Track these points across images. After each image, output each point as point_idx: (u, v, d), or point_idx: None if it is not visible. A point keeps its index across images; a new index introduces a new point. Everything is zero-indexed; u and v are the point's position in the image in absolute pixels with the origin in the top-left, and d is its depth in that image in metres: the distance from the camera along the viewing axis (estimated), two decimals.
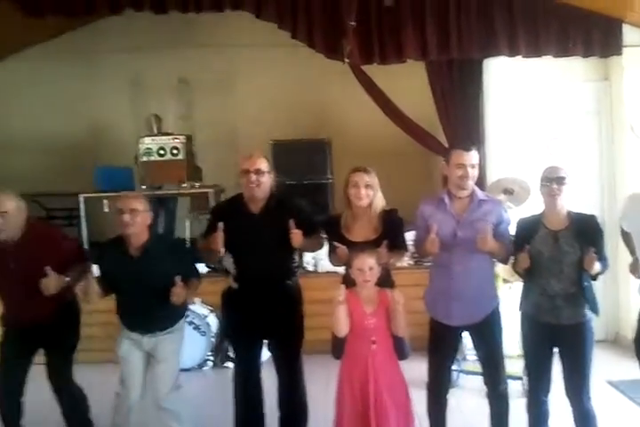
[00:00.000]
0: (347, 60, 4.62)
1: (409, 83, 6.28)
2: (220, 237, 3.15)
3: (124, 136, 7.80)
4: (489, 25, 4.52)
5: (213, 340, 5.13)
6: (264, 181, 3.26)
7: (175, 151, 6.10)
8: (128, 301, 3.26)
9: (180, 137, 6.19)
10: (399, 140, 6.64)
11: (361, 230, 3.23)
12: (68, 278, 3.21)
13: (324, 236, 3.43)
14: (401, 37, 4.45)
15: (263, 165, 3.29)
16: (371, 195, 3.22)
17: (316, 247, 3.55)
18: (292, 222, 3.15)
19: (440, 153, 5.64)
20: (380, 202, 3.26)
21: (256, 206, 3.29)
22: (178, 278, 3.11)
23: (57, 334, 3.34)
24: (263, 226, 3.24)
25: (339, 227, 3.27)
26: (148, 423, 3.48)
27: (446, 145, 5.47)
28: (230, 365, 5.02)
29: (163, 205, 6.81)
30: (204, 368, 5.09)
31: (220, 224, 3.16)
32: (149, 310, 3.21)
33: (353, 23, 4.22)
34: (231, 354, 4.99)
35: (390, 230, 3.23)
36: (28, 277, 3.11)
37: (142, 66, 7.90)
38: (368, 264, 2.94)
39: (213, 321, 5.15)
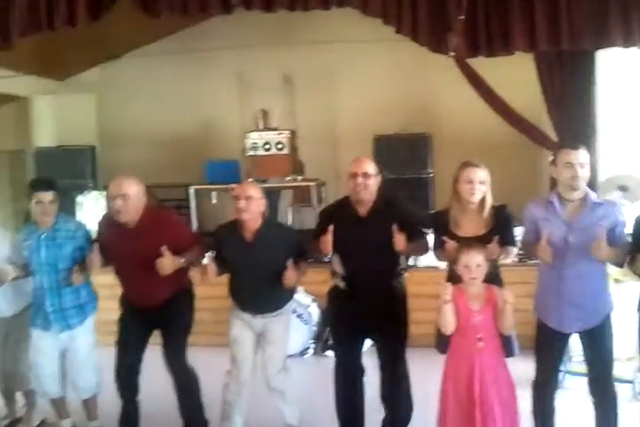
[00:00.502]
0: (452, 54, 4.56)
1: (513, 74, 6.14)
2: (328, 239, 3.22)
3: (231, 131, 8.12)
4: (602, 14, 4.33)
5: (315, 328, 5.26)
6: (371, 183, 3.27)
7: (280, 146, 6.28)
8: (241, 282, 3.42)
9: (285, 132, 6.35)
10: (502, 134, 6.51)
11: (470, 226, 3.20)
12: (182, 260, 3.36)
13: (430, 231, 3.41)
14: (508, 29, 4.33)
15: (370, 168, 3.30)
16: (483, 190, 3.19)
17: (421, 252, 3.52)
18: (395, 227, 3.16)
19: (546, 146, 5.49)
20: (490, 197, 3.23)
21: (363, 209, 3.32)
22: (290, 262, 3.24)
23: (173, 316, 3.53)
24: (370, 228, 3.27)
25: (447, 222, 3.26)
26: (257, 402, 3.62)
27: (552, 138, 5.31)
28: (330, 353, 5.14)
29: (266, 197, 7.02)
30: (305, 356, 5.23)
31: (330, 227, 3.22)
32: (261, 292, 3.36)
33: (462, 17, 4.16)
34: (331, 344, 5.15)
35: (500, 226, 3.18)
36: (146, 260, 3.27)
37: (248, 63, 8.18)
38: (476, 261, 2.92)
39: (315, 310, 5.28)
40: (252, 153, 6.34)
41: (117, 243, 3.41)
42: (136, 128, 8.17)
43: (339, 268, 3.40)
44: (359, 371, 3.47)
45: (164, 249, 3.24)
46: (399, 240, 3.17)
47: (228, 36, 8.00)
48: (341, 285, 3.41)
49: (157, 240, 3.26)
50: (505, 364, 3.02)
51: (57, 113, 8.01)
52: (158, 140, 8.15)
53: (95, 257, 3.37)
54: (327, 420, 3.60)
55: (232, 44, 8.03)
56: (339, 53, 8.02)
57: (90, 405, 3.71)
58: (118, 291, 3.66)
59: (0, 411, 3.96)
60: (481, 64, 5.36)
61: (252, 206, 3.28)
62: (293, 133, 6.45)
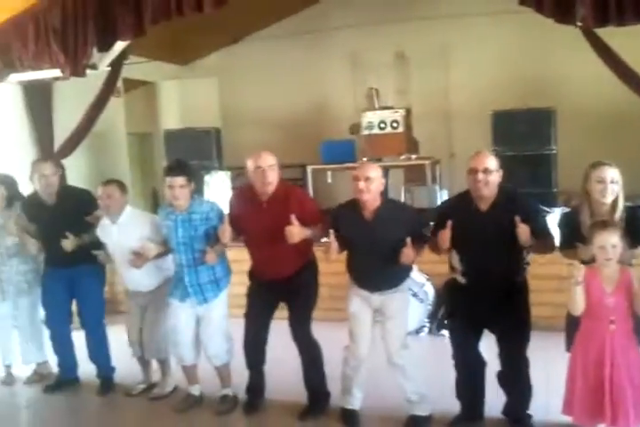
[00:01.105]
0: (579, 24, 4.35)
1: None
2: (447, 235, 3.20)
3: (345, 110, 8.20)
4: None
5: (430, 307, 5.28)
6: (492, 179, 3.20)
7: (395, 124, 6.27)
8: (360, 260, 3.49)
9: (400, 110, 6.33)
10: (630, 107, 6.14)
11: None
12: (309, 232, 3.48)
13: (560, 230, 3.30)
14: None
15: (492, 163, 3.23)
16: (616, 190, 3.06)
17: (545, 250, 3.36)
18: (517, 218, 3.09)
19: None
20: (622, 198, 3.09)
21: (484, 204, 3.26)
22: (408, 240, 3.27)
23: (299, 289, 3.67)
24: (492, 223, 3.20)
25: (577, 224, 3.14)
26: (377, 377, 3.71)
27: None
28: (445, 333, 5.14)
29: None
30: (421, 334, 5.27)
31: (449, 223, 3.20)
32: (379, 269, 3.42)
33: None
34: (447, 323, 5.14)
35: (634, 230, 3.02)
36: (276, 232, 3.41)
37: (361, 42, 8.19)
38: (611, 242, 2.83)
39: (430, 289, 5.29)
40: (367, 132, 6.37)
41: (250, 215, 3.57)
42: (255, 110, 8.43)
43: (457, 264, 3.36)
44: (480, 364, 3.45)
45: (293, 218, 3.37)
46: (523, 231, 3.08)
47: (341, 15, 8.06)
48: (462, 280, 3.37)
49: (288, 213, 3.39)
50: (636, 347, 2.93)
51: (181, 97, 8.42)
52: (276, 121, 8.38)
53: (226, 229, 3.55)
54: (443, 398, 3.62)
55: (345, 24, 8.08)
56: (453, 28, 7.86)
57: (222, 373, 3.95)
58: (246, 266, 3.85)
59: (137, 377, 4.30)
60: (606, 33, 5.08)
61: (371, 187, 3.32)
62: (408, 111, 6.42)
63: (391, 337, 3.50)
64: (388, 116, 6.30)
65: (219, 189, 6.30)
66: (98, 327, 4.29)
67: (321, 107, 8.45)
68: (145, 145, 9.30)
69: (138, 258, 3.85)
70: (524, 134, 5.89)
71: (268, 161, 3.52)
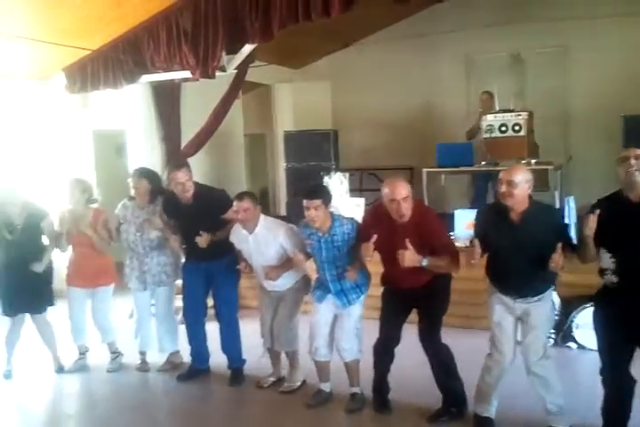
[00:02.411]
0: None
1: None
2: (592, 220, 3.05)
3: (457, 113, 8.12)
4: None
5: (556, 318, 5.10)
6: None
7: (517, 128, 6.13)
8: (504, 264, 3.40)
9: (523, 113, 6.18)
10: None
11: None
12: (425, 261, 3.40)
13: None
14: None
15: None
16: None
17: None
18: None
19: None
20: None
21: (636, 195, 3.08)
22: (559, 246, 3.16)
23: (431, 297, 3.65)
24: None
25: None
26: (516, 386, 3.64)
27: None
28: (573, 345, 4.98)
29: (492, 180, 6.93)
30: (547, 345, 5.10)
31: (597, 210, 3.06)
32: (524, 275, 3.33)
33: None
34: (575, 335, 4.97)
35: None
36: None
37: (475, 44, 8.09)
38: None
39: (556, 299, 5.12)
40: (487, 135, 6.26)
41: (384, 234, 3.54)
42: (367, 113, 8.50)
43: (608, 263, 3.19)
44: (630, 381, 3.27)
45: (407, 242, 3.38)
46: None
47: (455, 18, 7.98)
48: (614, 280, 3.19)
49: (417, 237, 3.42)
50: None
51: (295, 99, 8.59)
52: (387, 123, 8.40)
53: (370, 247, 3.54)
54: (576, 411, 3.52)
55: (459, 27, 7.99)
56: (572, 30, 7.66)
57: (352, 370, 3.98)
58: (381, 269, 3.86)
59: (266, 370, 4.40)
60: None
61: (514, 191, 3.23)
62: (531, 115, 6.25)
63: (532, 347, 3.42)
64: (509, 119, 6.17)
65: (336, 189, 6.35)
66: (231, 320, 4.43)
67: (432, 109, 8.41)
68: (258, 145, 9.53)
69: (272, 271, 4.00)
70: None
71: (403, 193, 3.48)
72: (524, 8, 7.68)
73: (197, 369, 4.54)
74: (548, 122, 7.48)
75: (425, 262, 3.44)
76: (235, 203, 4.04)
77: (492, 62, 8.07)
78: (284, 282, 4.12)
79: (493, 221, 3.43)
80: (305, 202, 3.72)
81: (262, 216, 4.14)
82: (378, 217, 3.70)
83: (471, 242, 3.38)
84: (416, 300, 3.68)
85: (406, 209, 3.50)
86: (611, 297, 3.24)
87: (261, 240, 4.05)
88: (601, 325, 3.35)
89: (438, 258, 3.47)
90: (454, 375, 3.73)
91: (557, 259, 3.17)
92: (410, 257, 3.40)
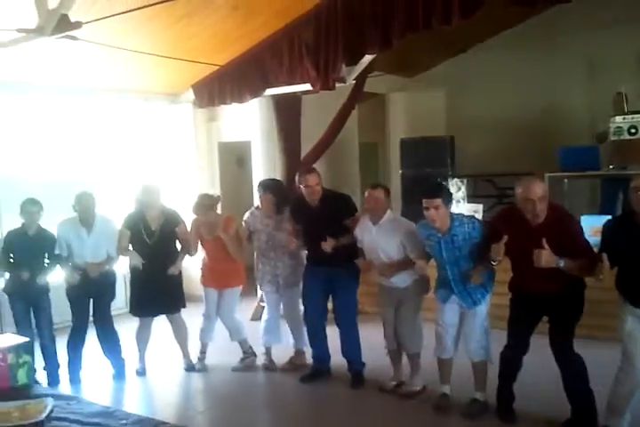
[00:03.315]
0: None
1: None
2: None
3: (580, 115, 7.82)
4: None
5: None
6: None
7: None
8: (635, 276, 3.28)
9: None
10: None
11: None
12: (562, 263, 3.32)
13: None
14: None
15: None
16: None
17: None
18: None
19: None
20: None
21: None
22: None
23: (564, 304, 3.55)
24: None
25: None
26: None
27: None
28: None
29: (621, 186, 6.61)
30: None
31: None
32: None
33: None
34: None
35: None
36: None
37: (599, 44, 7.75)
38: None
39: None
40: (615, 138, 6.01)
41: (519, 238, 3.48)
42: (483, 118, 8.37)
43: None
44: None
45: (544, 242, 3.31)
46: None
47: (576, 17, 7.66)
48: None
49: (554, 239, 3.35)
50: None
51: (409, 108, 8.63)
52: (503, 128, 8.22)
53: (501, 248, 3.52)
54: None
55: (581, 25, 7.69)
56: None
57: (478, 373, 3.97)
58: (508, 277, 3.82)
59: (387, 372, 4.46)
60: None
61: None
62: None
63: None
64: (639, 120, 5.88)
65: (454, 196, 6.32)
66: (351, 325, 4.54)
67: (552, 112, 8.13)
68: (370, 154, 9.64)
69: (388, 268, 4.09)
70: None
71: (539, 193, 3.43)
72: None
73: (319, 370, 4.69)
74: None
75: (562, 264, 3.35)
76: (367, 191, 4.19)
77: (618, 62, 7.69)
78: (405, 277, 4.16)
79: (624, 232, 3.31)
80: (424, 201, 3.72)
81: (389, 210, 4.24)
82: (509, 219, 3.66)
83: (599, 255, 3.30)
84: (547, 307, 3.60)
85: (541, 210, 3.45)
86: None
87: (384, 233, 4.13)
88: None
89: (576, 261, 3.38)
90: (586, 386, 3.61)
91: None
92: (546, 257, 3.33)
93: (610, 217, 5.47)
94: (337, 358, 4.67)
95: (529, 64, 8.21)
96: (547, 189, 3.50)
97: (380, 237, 4.16)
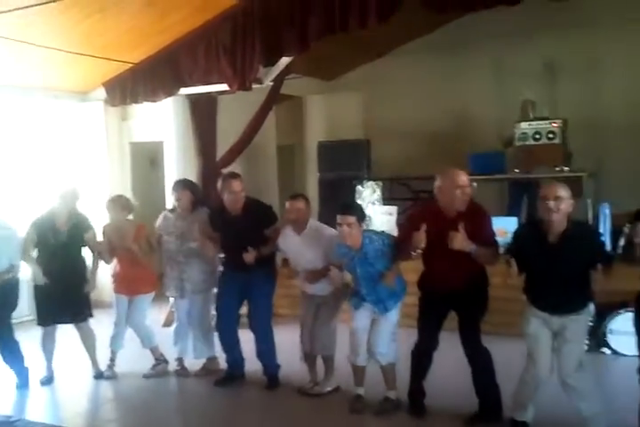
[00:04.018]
0: None
1: None
2: None
3: (490, 122, 8.12)
4: None
5: (591, 324, 5.08)
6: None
7: (551, 135, 6.12)
8: (541, 282, 3.40)
9: (558, 121, 6.17)
10: None
11: None
12: (473, 247, 3.47)
13: None
14: None
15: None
16: None
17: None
18: None
19: None
20: None
21: None
22: (599, 266, 3.21)
23: (471, 299, 3.70)
24: None
25: None
26: (553, 390, 3.59)
27: None
28: (607, 351, 4.95)
29: (526, 189, 6.92)
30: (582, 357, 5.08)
31: None
32: (562, 294, 3.32)
33: None
34: (609, 340, 4.94)
35: None
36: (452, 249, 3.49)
37: (506, 52, 8.09)
38: None
39: (591, 306, 5.10)
40: (520, 143, 6.26)
41: (436, 230, 3.60)
42: (398, 123, 8.54)
43: None
44: None
45: (460, 226, 3.43)
46: None
47: (485, 26, 7.92)
48: None
49: (468, 229, 3.46)
50: None
51: (326, 110, 8.69)
52: (419, 133, 8.43)
53: (421, 236, 3.61)
54: (611, 413, 3.53)
55: (489, 34, 7.96)
56: (605, 37, 7.59)
57: (388, 374, 4.02)
58: (416, 277, 3.93)
59: (302, 374, 4.46)
60: None
61: (560, 207, 3.25)
62: (565, 122, 6.25)
63: (567, 360, 3.43)
64: (543, 126, 6.17)
65: (368, 198, 6.43)
66: (266, 328, 4.51)
67: (464, 118, 8.42)
68: (287, 156, 9.64)
69: (312, 275, 4.10)
70: None
71: (466, 181, 3.63)
72: (555, 15, 7.61)
73: (233, 375, 4.62)
74: (581, 130, 7.41)
75: (473, 248, 3.49)
76: (288, 202, 4.19)
77: (523, 69, 8.05)
78: (325, 286, 4.20)
79: (531, 240, 3.43)
80: (339, 218, 3.79)
81: (312, 219, 4.27)
82: (426, 212, 3.81)
83: (508, 262, 3.43)
84: (455, 302, 3.73)
85: (469, 196, 3.60)
86: None
87: (308, 242, 4.16)
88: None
89: (484, 248, 3.54)
90: (493, 379, 3.76)
91: (599, 278, 3.24)
92: (460, 240, 3.46)
93: (516, 218, 5.70)
94: (252, 362, 4.63)
95: (442, 70, 8.47)
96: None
97: (305, 247, 4.18)
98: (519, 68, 8.08)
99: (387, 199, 7.19)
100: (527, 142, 6.21)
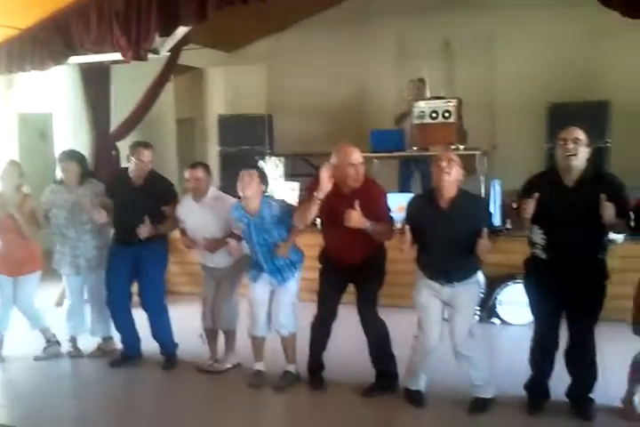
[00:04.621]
0: None
1: None
2: (531, 205, 3.26)
3: (390, 99, 8.21)
4: None
5: (482, 295, 5.32)
6: (582, 150, 3.25)
7: (447, 114, 6.25)
8: (433, 251, 3.53)
9: (453, 100, 6.30)
10: None
11: None
12: (369, 224, 3.53)
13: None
14: None
15: (581, 134, 3.28)
16: None
17: (623, 229, 3.40)
18: (603, 196, 3.13)
19: None
20: None
21: (570, 179, 3.31)
22: (485, 231, 3.30)
23: (368, 272, 3.79)
24: (577, 198, 3.26)
25: None
26: (445, 366, 3.78)
27: None
28: (496, 321, 5.21)
29: (417, 166, 7.10)
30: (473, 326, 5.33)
31: (536, 194, 3.25)
32: (453, 261, 3.46)
33: None
34: (498, 311, 5.20)
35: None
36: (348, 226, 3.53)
37: (407, 30, 8.18)
38: None
39: (481, 277, 5.34)
40: (418, 121, 6.38)
41: (331, 204, 3.65)
42: (302, 97, 8.48)
43: (539, 238, 3.41)
44: (554, 337, 3.51)
45: (356, 203, 3.47)
46: (608, 208, 3.11)
47: (389, 3, 8.02)
48: (543, 255, 3.42)
49: (362, 205, 3.50)
50: None
51: (229, 83, 8.51)
52: (321, 108, 8.42)
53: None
54: (499, 381, 3.74)
55: (391, 11, 8.04)
56: (501, 18, 7.81)
57: (288, 347, 4.06)
58: (317, 251, 3.97)
59: (204, 354, 4.41)
60: None
61: (452, 171, 3.37)
62: (460, 102, 6.42)
63: (458, 329, 3.57)
64: (440, 105, 6.28)
65: (271, 174, 6.37)
66: (159, 306, 4.41)
67: (366, 95, 8.48)
68: (189, 130, 9.40)
69: (211, 243, 4.03)
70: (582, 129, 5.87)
71: (359, 158, 3.67)
72: None
73: (129, 355, 4.51)
74: (476, 109, 7.62)
75: (369, 225, 3.54)
76: (187, 171, 4.11)
77: (423, 49, 8.17)
78: (224, 257, 4.15)
79: (424, 208, 3.55)
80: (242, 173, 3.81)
81: (213, 188, 4.20)
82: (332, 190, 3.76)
83: (402, 228, 3.49)
84: (353, 275, 3.81)
85: (362, 175, 3.64)
86: (540, 267, 3.48)
87: (208, 210, 4.10)
88: (533, 290, 3.59)
89: (379, 224, 3.61)
90: (388, 350, 3.88)
91: (484, 244, 3.32)
92: (356, 217, 3.50)
93: (412, 194, 5.82)
94: (149, 341, 4.53)
95: (344, 46, 8.45)
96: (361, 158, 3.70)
97: (204, 216, 4.11)
98: (419, 47, 8.20)
99: (289, 175, 7.20)
100: (425, 121, 6.32)
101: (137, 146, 4.29)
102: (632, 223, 3.31)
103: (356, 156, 3.67)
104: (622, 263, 4.45)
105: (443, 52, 8.29)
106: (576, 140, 3.25)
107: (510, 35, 7.89)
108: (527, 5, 7.59)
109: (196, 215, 4.14)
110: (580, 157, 3.26)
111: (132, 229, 4.15)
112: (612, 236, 3.64)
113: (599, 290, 3.40)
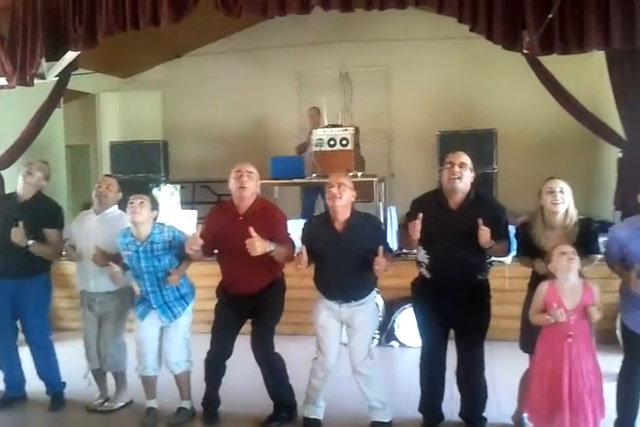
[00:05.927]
0: (525, 52, 4.63)
1: (577, 69, 6.23)
2: (417, 226, 3.32)
3: (290, 127, 8.30)
4: None
5: (380, 319, 5.38)
6: (466, 174, 3.37)
7: (344, 142, 6.36)
8: (329, 271, 3.53)
9: (350, 128, 6.44)
10: (565, 131, 6.58)
11: (555, 240, 3.24)
12: (272, 246, 3.47)
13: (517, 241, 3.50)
14: (583, 27, 4.39)
15: (467, 158, 3.43)
16: (566, 200, 3.27)
17: (502, 253, 3.54)
18: (480, 221, 3.25)
19: (613, 142, 5.55)
20: (574, 210, 3.30)
21: (453, 201, 3.42)
22: (381, 249, 3.35)
23: (265, 305, 3.70)
24: (459, 220, 3.36)
25: (531, 236, 3.34)
26: (342, 387, 3.76)
27: (620, 134, 5.36)
28: (395, 344, 5.28)
29: (320, 191, 7.17)
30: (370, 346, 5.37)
31: (420, 215, 3.32)
32: (348, 280, 3.48)
33: (550, 15, 4.23)
34: (397, 334, 5.27)
35: (584, 239, 3.27)
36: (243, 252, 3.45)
37: (306, 61, 8.35)
38: (569, 248, 3.04)
39: (380, 301, 5.40)
40: (317, 149, 6.45)
41: (226, 229, 3.60)
42: (198, 125, 8.43)
43: (424, 258, 3.51)
44: (442, 364, 3.58)
45: (251, 230, 3.40)
46: (484, 233, 3.23)
47: (285, 34, 8.15)
48: (427, 275, 3.52)
49: (261, 228, 3.45)
50: (594, 355, 3.10)
51: (122, 109, 8.30)
52: (219, 136, 8.40)
53: (197, 241, 3.53)
54: (397, 405, 3.78)
55: (290, 43, 8.19)
56: (395, 52, 8.16)
57: (181, 383, 3.90)
58: (215, 282, 3.87)
59: (94, 393, 4.17)
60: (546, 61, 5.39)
61: (344, 194, 3.43)
62: (357, 130, 6.56)
63: (357, 348, 3.59)
64: (337, 133, 6.40)
65: (166, 202, 6.22)
66: (44, 343, 4.15)
67: (265, 123, 8.54)
68: (82, 157, 9.07)
69: (101, 256, 3.80)
70: (469, 154, 6.14)
71: (250, 169, 3.66)
72: (351, 27, 8.01)
73: (12, 396, 4.19)
74: (373, 137, 7.91)
75: (273, 247, 3.49)
76: (101, 177, 4.15)
77: (322, 79, 8.38)
78: (106, 282, 3.90)
79: (318, 230, 3.58)
80: (131, 198, 3.70)
81: (116, 206, 4.03)
82: (221, 211, 3.80)
83: (300, 251, 3.49)
84: (250, 309, 3.72)
85: (250, 184, 3.61)
86: (425, 287, 3.57)
87: (104, 225, 3.92)
88: (418, 309, 3.68)
89: (281, 245, 3.57)
90: (285, 382, 3.82)
91: (381, 261, 3.36)
92: (259, 243, 3.42)
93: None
94: (34, 381, 4.24)
95: (244, 74, 8.51)
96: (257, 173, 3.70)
97: (100, 228, 3.92)
98: (318, 77, 8.38)
99: (189, 203, 7.07)
100: (323, 148, 6.41)
101: (28, 164, 4.16)
102: (514, 246, 3.47)
103: (248, 168, 3.66)
104: (511, 284, 4.61)
105: (341, 82, 8.51)
106: (462, 165, 3.38)
107: (404, 66, 8.24)
108: (419, 38, 7.95)
109: (90, 226, 3.94)
110: (465, 180, 3.38)
111: (11, 257, 3.90)
112: (500, 257, 3.80)
113: (482, 309, 3.51)
